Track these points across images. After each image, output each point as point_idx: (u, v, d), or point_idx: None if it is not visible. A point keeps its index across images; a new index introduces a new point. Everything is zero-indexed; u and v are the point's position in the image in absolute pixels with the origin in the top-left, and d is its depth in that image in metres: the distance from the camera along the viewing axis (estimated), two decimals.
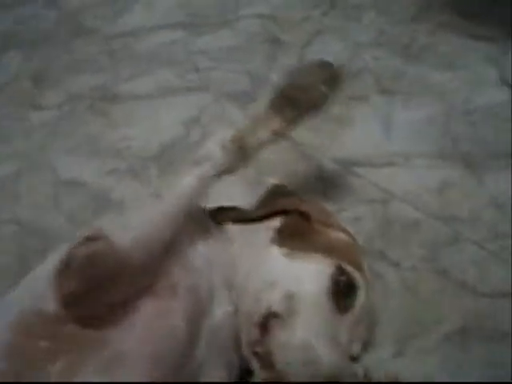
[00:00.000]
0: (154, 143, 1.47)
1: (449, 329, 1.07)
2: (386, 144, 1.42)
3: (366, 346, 0.94)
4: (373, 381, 0.89)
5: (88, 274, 0.73)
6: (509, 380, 0.96)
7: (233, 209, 1.06)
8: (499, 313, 1.08)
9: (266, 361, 0.81)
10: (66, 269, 0.76)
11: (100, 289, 0.74)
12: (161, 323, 0.82)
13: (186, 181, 0.88)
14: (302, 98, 0.97)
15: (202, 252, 0.94)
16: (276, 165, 1.38)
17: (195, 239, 0.94)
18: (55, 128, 1.58)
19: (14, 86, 1.73)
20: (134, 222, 0.83)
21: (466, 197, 1.28)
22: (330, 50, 1.69)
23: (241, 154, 0.93)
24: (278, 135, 0.98)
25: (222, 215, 1.03)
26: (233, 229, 1.01)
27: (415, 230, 1.23)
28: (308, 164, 1.40)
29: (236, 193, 1.22)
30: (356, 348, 0.88)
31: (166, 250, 0.86)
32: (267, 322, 0.83)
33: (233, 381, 0.94)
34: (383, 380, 0.92)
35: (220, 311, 0.92)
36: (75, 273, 0.75)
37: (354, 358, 0.87)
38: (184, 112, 1.53)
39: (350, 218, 1.20)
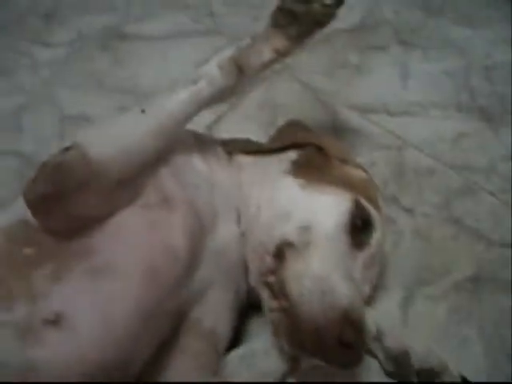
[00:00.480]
0: (163, 82, 1.42)
1: (460, 277, 1.04)
2: (403, 93, 1.38)
3: (376, 290, 0.90)
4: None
5: (54, 180, 0.68)
6: None
7: (246, 140, 1.01)
8: None
9: (279, 290, 0.77)
10: (35, 176, 0.71)
11: (68, 198, 0.69)
12: (155, 235, 0.77)
13: (178, 96, 0.81)
14: (305, 12, 0.87)
15: (202, 171, 0.89)
16: (291, 109, 1.34)
17: (194, 158, 0.89)
18: (63, 65, 1.53)
19: (23, 23, 1.67)
20: (115, 134, 0.76)
21: (481, 148, 1.24)
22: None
23: (240, 74, 0.85)
24: (282, 55, 0.89)
25: (233, 145, 0.98)
26: (244, 159, 0.97)
27: (429, 177, 1.19)
28: (323, 110, 1.35)
29: (249, 130, 1.15)
30: (367, 290, 0.86)
31: (154, 165, 0.81)
32: (282, 251, 0.80)
33: (239, 306, 0.90)
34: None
35: (225, 231, 0.89)
36: (42, 179, 0.71)
37: (365, 302, 0.85)
38: (195, 54, 1.46)
39: (364, 163, 1.14)
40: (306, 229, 0.81)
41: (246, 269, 0.89)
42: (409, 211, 1.13)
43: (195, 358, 0.82)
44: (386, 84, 1.40)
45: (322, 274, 0.75)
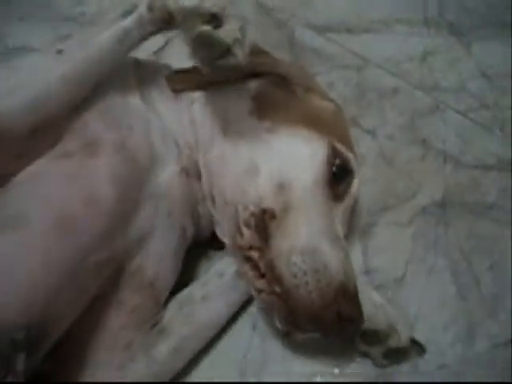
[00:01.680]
0: (110, 12, 1.26)
1: (427, 201, 0.94)
2: (366, 10, 1.25)
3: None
4: None
5: None
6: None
7: (193, 71, 0.86)
8: (483, 185, 0.94)
9: (268, 272, 0.69)
10: None
11: None
12: (73, 185, 0.66)
13: (101, 36, 0.69)
14: None
15: (137, 109, 0.77)
16: None
17: (128, 94, 0.77)
18: None
19: None
20: (22, 84, 0.66)
21: (450, 66, 1.14)
22: None
23: (170, 20, 0.70)
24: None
25: (183, 75, 0.83)
26: (194, 94, 0.83)
27: (392, 97, 1.09)
28: (279, 29, 1.23)
29: None
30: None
31: (75, 109, 0.70)
32: (263, 223, 0.71)
33: (183, 250, 0.82)
34: None
35: (166, 172, 0.78)
36: None
37: None
38: None
39: (322, 83, 1.02)
40: (282, 187, 0.71)
41: (192, 208, 0.81)
42: (371, 133, 1.03)
43: (133, 312, 0.74)
44: (346, 1, 1.26)
45: (311, 246, 0.68)
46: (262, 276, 0.70)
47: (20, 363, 0.58)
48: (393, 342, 0.77)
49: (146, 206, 0.74)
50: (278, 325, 0.71)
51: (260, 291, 0.71)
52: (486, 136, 1.01)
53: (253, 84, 0.81)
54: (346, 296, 0.67)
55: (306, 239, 0.68)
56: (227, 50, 0.63)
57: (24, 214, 0.62)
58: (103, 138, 0.69)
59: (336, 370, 0.80)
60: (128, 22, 0.70)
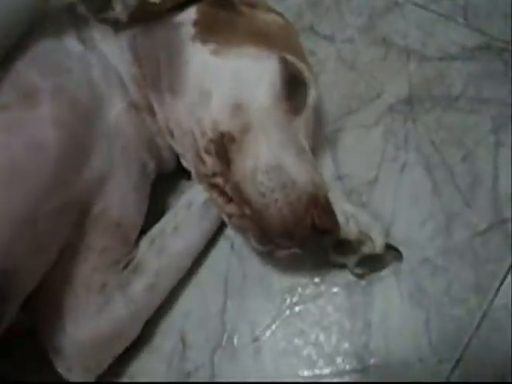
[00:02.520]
0: None
1: (392, 100, 0.90)
2: None
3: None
4: None
5: None
6: None
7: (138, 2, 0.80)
8: (448, 76, 0.91)
9: (235, 195, 0.67)
10: None
11: None
12: (14, 136, 0.63)
13: None
14: None
15: (75, 51, 0.72)
16: None
17: (64, 37, 0.72)
18: None
19: None
20: None
21: None
22: None
23: None
24: None
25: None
26: (135, 28, 0.77)
27: (350, 0, 1.00)
28: None
29: None
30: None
31: (6, 60, 0.65)
32: (223, 148, 0.67)
33: (146, 184, 0.79)
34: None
35: (114, 110, 0.73)
36: None
37: None
38: None
39: None
40: (237, 108, 0.68)
41: (148, 142, 0.77)
42: (329, 39, 0.98)
43: (103, 253, 0.72)
44: None
45: (275, 162, 0.65)
46: (231, 200, 0.68)
47: None
48: (366, 250, 0.74)
49: (98, 147, 0.70)
50: (255, 246, 0.69)
51: (231, 216, 0.69)
52: (448, 26, 0.96)
53: (192, 10, 0.75)
54: (317, 207, 0.64)
55: (269, 156, 0.65)
56: (108, 3, 0.57)
57: None
58: (40, 86, 0.65)
59: (317, 279, 0.77)
60: None
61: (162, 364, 0.78)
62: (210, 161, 0.69)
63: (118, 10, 0.56)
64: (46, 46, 0.69)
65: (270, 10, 0.81)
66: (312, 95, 0.74)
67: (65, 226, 0.67)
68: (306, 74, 0.74)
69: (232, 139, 0.67)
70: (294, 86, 0.70)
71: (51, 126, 0.65)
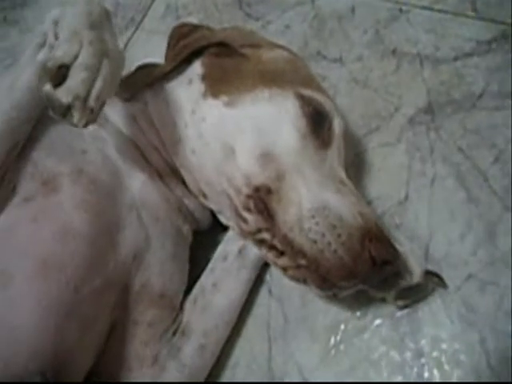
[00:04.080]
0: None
1: (412, 111, 0.85)
2: None
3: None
4: None
5: None
6: None
7: (144, 68, 0.79)
8: (466, 75, 0.84)
9: (287, 249, 0.63)
10: None
11: None
12: (42, 226, 0.62)
13: (23, 75, 0.64)
14: None
15: (83, 131, 0.70)
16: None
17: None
18: None
19: None
20: None
21: None
22: None
23: None
24: None
25: (126, 87, 0.75)
26: (145, 96, 0.76)
27: (352, 17, 0.96)
28: None
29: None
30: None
31: (21, 153, 0.65)
32: (261, 201, 0.64)
33: (185, 250, 0.77)
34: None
35: (136, 181, 0.72)
36: None
37: None
38: None
39: (278, 30, 0.94)
40: (265, 158, 0.64)
41: (178, 206, 0.75)
42: (338, 61, 0.94)
43: (150, 326, 0.70)
44: None
45: (318, 204, 0.62)
46: (282, 253, 0.64)
47: None
48: (404, 283, 0.68)
49: (129, 222, 0.69)
50: (318, 293, 0.65)
51: (286, 269, 0.65)
52: (459, 23, 0.89)
53: (197, 64, 0.73)
54: (372, 239, 0.60)
55: (311, 199, 0.62)
56: (68, 109, 0.55)
57: (5, 271, 0.59)
58: (58, 172, 0.65)
59: (358, 313, 0.72)
60: (42, 55, 0.62)
61: None
62: (251, 218, 0.65)
63: (76, 120, 0.54)
64: (55, 131, 0.68)
65: (274, 45, 0.78)
66: (337, 122, 0.70)
67: (107, 306, 0.66)
68: (325, 102, 0.70)
69: (269, 191, 0.64)
70: (317, 119, 0.67)
71: (75, 209, 0.64)
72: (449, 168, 0.78)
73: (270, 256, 0.66)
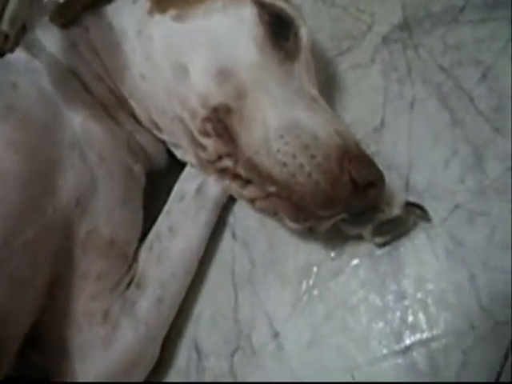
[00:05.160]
0: None
1: (386, 29, 0.76)
2: None
3: None
4: None
5: None
6: None
7: None
8: None
9: (253, 175, 0.54)
10: None
11: None
12: None
13: None
14: None
15: (15, 63, 0.62)
16: None
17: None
18: None
19: None
20: None
21: None
22: None
23: None
24: None
25: (62, 13, 0.65)
26: (86, 21, 0.65)
27: None
28: None
29: None
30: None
31: None
32: (221, 124, 0.56)
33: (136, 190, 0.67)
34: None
35: (78, 116, 0.62)
36: None
37: None
38: None
39: None
40: (223, 74, 0.55)
41: (127, 143, 0.65)
42: None
43: (99, 279, 0.61)
44: None
45: (286, 122, 0.52)
46: (248, 182, 0.56)
47: None
48: (382, 216, 0.58)
49: (70, 162, 0.59)
50: (292, 226, 0.55)
51: (253, 199, 0.57)
52: None
53: None
54: (352, 160, 0.51)
55: (278, 118, 0.53)
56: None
57: None
58: None
59: (333, 254, 0.62)
60: None
61: (180, 379, 0.64)
62: (210, 143, 0.57)
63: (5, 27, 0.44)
64: None
65: None
66: (304, 33, 0.60)
67: (45, 260, 0.56)
68: (288, 9, 0.60)
69: (228, 110, 0.55)
70: (280, 29, 0.58)
71: (3, 150, 0.54)
72: (429, 89, 0.68)
73: (235, 187, 0.58)
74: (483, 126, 0.63)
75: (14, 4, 0.49)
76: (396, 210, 0.58)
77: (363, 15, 0.75)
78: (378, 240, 0.60)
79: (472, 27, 0.69)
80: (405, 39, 0.72)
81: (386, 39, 0.73)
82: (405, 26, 0.73)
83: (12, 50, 0.49)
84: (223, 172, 0.59)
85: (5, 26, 0.48)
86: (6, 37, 0.48)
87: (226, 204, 0.69)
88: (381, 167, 0.58)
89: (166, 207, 0.69)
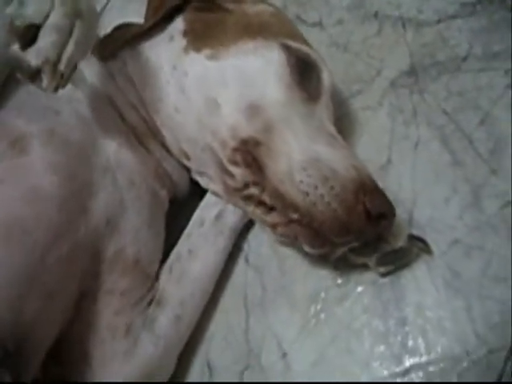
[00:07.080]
0: None
1: (394, 74, 0.79)
2: None
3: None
4: None
5: None
6: None
7: (122, 27, 0.73)
8: (450, 37, 0.80)
9: (277, 203, 0.59)
10: None
11: None
12: (8, 187, 0.56)
13: None
14: None
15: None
16: None
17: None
18: None
19: None
20: None
21: None
22: None
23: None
24: None
25: (104, 47, 0.71)
26: (124, 55, 0.71)
27: None
28: None
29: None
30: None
31: None
32: (249, 154, 0.60)
33: (161, 215, 0.72)
34: None
35: (111, 143, 0.66)
36: None
37: None
38: None
39: None
40: (252, 109, 0.60)
41: (155, 169, 0.70)
42: (318, 25, 0.87)
43: (123, 295, 0.64)
44: None
45: (309, 156, 0.57)
46: (271, 209, 0.60)
47: (5, 377, 0.51)
48: (386, 247, 0.62)
49: (102, 185, 0.63)
50: (310, 251, 0.60)
51: (275, 226, 0.61)
52: None
53: (179, 20, 0.69)
54: (366, 192, 0.56)
55: (302, 151, 0.58)
56: (37, 72, 0.50)
57: None
58: (28, 132, 0.59)
59: (339, 280, 0.66)
60: (10, 10, 0.55)
61: None
62: (238, 172, 0.61)
63: (45, 84, 0.50)
64: (30, 92, 0.62)
65: (257, 0, 0.72)
66: (326, 76, 0.66)
67: (75, 276, 0.60)
68: (312, 54, 0.66)
69: (257, 143, 0.60)
70: (304, 72, 0.63)
71: (45, 171, 0.58)
72: (433, 131, 0.72)
73: (259, 213, 0.62)
74: (481, 166, 0.68)
75: (71, 47, 0.54)
76: (400, 242, 0.62)
77: (373, 61, 0.81)
78: (382, 269, 0.64)
79: (473, 76, 0.74)
80: (411, 84, 0.77)
81: (393, 84, 0.78)
82: (412, 72, 0.78)
83: (64, 86, 0.54)
84: (249, 199, 0.63)
85: (62, 67, 0.53)
86: (62, 75, 0.53)
87: (241, 232, 0.73)
88: None
89: (187, 231, 0.73)
